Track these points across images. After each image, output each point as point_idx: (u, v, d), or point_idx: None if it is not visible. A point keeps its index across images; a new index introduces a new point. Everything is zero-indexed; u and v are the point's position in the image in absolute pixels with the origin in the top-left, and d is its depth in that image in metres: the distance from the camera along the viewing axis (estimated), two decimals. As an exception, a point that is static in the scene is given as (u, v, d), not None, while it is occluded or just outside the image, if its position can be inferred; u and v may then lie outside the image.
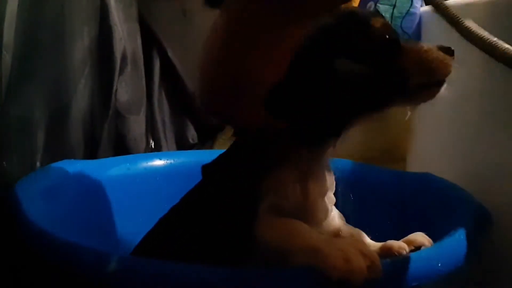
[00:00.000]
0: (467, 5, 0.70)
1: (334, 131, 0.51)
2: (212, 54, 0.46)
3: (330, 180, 0.56)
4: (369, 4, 0.99)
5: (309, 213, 0.53)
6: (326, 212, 0.55)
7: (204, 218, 0.53)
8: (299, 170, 0.52)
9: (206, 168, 0.56)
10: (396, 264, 0.46)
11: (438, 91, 0.51)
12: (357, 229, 0.58)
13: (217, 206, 0.52)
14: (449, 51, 0.51)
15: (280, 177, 0.51)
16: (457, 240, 0.51)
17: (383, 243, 0.55)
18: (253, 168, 0.52)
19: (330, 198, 0.57)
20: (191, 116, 1.04)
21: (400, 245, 0.53)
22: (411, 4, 0.93)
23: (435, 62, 0.50)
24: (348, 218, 0.61)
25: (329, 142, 0.52)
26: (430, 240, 0.55)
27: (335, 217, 0.59)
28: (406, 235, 0.56)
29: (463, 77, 0.50)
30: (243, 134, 0.54)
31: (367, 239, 0.58)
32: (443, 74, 0.50)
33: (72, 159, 0.74)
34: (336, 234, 0.57)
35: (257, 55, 0.44)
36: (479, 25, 0.56)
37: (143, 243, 0.60)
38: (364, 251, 0.43)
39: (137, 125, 0.94)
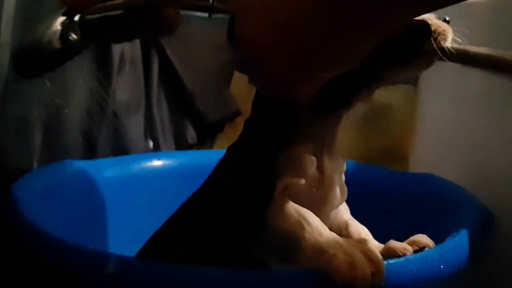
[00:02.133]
0: (467, 4, 0.70)
1: (344, 98, 0.51)
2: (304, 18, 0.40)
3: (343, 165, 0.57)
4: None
5: (326, 191, 0.53)
6: (344, 191, 0.55)
7: (218, 206, 0.53)
8: (314, 144, 0.53)
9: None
10: (398, 266, 0.45)
11: (434, 58, 0.50)
12: (363, 226, 0.58)
13: (233, 191, 0.52)
14: (445, 20, 0.50)
15: (296, 152, 0.52)
16: (459, 242, 0.51)
17: (387, 243, 0.54)
18: (269, 148, 0.52)
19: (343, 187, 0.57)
20: (190, 116, 1.04)
21: (404, 246, 0.53)
22: None
23: (435, 28, 0.49)
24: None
25: (341, 111, 0.53)
26: (433, 242, 0.54)
27: (344, 210, 0.59)
28: (407, 237, 0.55)
29: (466, 76, 0.50)
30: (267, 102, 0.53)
31: (371, 239, 0.57)
32: (443, 40, 0.49)
33: (70, 160, 0.74)
34: (344, 227, 0.57)
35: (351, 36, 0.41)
36: (479, 24, 0.55)
37: (154, 239, 0.60)
38: (370, 256, 0.43)
39: (135, 125, 0.93)
